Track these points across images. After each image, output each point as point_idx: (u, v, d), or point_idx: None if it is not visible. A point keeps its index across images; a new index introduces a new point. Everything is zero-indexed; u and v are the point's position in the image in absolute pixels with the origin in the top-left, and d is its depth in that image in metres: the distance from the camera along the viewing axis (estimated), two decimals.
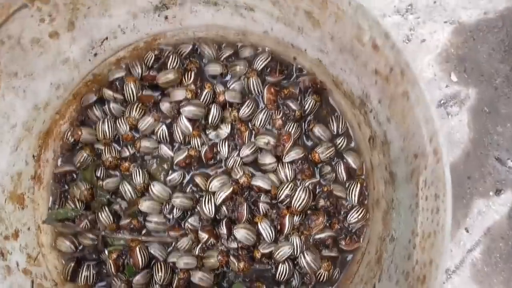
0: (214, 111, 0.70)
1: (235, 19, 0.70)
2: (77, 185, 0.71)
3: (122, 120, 0.73)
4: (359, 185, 0.69)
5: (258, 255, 0.67)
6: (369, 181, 0.69)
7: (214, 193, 0.68)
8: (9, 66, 0.61)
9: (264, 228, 0.66)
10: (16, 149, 0.67)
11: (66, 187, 0.73)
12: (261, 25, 0.69)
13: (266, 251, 0.67)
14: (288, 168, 0.69)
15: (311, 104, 0.73)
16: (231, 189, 0.67)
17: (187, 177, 0.72)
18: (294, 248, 0.66)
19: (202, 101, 0.71)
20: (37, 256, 0.68)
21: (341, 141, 0.72)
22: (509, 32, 0.86)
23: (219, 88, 0.73)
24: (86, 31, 0.67)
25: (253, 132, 0.72)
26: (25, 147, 0.69)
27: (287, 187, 0.67)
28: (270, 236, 0.66)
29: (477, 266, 0.82)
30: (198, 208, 0.68)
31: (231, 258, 0.67)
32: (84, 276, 0.69)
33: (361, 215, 0.68)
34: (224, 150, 0.71)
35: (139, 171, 0.70)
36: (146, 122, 0.71)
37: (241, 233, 0.66)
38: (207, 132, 0.72)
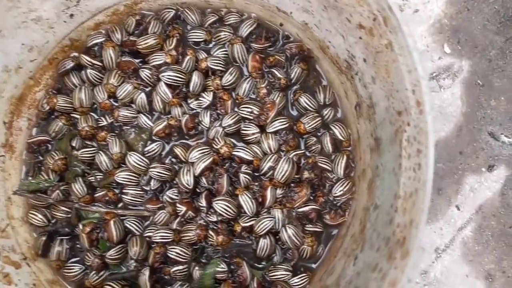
0: (195, 78, 0.67)
1: None
2: (51, 155, 0.68)
3: (100, 88, 0.70)
4: (345, 157, 0.67)
5: (238, 229, 0.64)
6: (356, 152, 0.67)
7: (193, 163, 0.65)
8: None
9: (245, 200, 0.64)
10: None
11: (41, 158, 0.71)
12: None
13: (247, 224, 0.64)
14: (272, 138, 0.66)
15: (297, 73, 0.70)
16: (211, 159, 0.64)
17: (167, 148, 0.70)
18: (275, 221, 0.64)
19: (184, 68, 0.68)
20: (5, 228, 0.65)
21: (328, 112, 0.69)
22: (505, 3, 0.83)
23: (202, 55, 0.70)
24: None
25: (237, 101, 0.69)
26: None
27: (270, 158, 0.65)
28: (251, 209, 0.64)
29: (468, 245, 0.79)
30: (177, 179, 0.65)
31: (210, 232, 0.64)
32: (57, 251, 0.67)
33: (347, 187, 0.66)
34: (206, 119, 0.68)
35: (116, 141, 0.68)
36: (125, 89, 0.68)
37: (221, 205, 0.63)
38: (189, 101, 0.69)
